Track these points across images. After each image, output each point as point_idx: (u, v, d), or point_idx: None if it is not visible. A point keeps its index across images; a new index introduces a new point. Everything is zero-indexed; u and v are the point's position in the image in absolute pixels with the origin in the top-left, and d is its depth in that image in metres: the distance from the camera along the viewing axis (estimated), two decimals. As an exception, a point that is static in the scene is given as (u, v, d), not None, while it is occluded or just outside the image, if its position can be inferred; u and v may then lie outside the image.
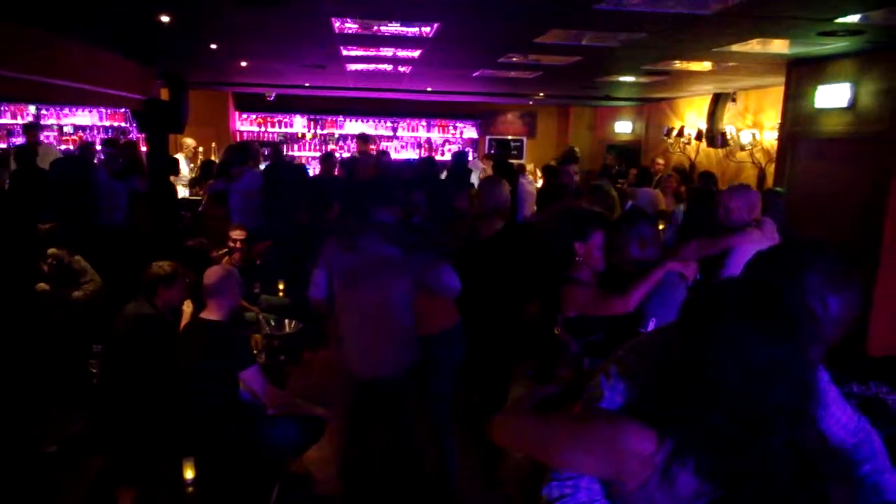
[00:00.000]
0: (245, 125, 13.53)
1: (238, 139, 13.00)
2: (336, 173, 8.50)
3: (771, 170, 7.44)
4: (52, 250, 5.41)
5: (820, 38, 5.06)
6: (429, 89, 10.98)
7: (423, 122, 13.96)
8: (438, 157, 11.99)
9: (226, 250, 5.70)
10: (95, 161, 8.15)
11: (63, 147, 11.53)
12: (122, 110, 11.92)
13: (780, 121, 6.83)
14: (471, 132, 14.13)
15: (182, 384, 3.65)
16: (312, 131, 13.60)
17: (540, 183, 10.18)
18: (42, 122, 12.01)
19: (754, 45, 5.55)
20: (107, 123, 12.28)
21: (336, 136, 13.71)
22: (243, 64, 8.24)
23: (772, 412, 1.28)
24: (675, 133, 10.31)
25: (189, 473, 3.21)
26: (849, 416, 2.01)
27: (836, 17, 4.42)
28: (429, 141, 13.92)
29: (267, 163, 8.92)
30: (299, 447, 3.99)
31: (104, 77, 7.06)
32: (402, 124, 13.88)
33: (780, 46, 5.63)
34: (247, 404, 3.84)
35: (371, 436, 3.91)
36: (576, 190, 6.52)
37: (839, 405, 2.00)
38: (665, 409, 1.36)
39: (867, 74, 5.52)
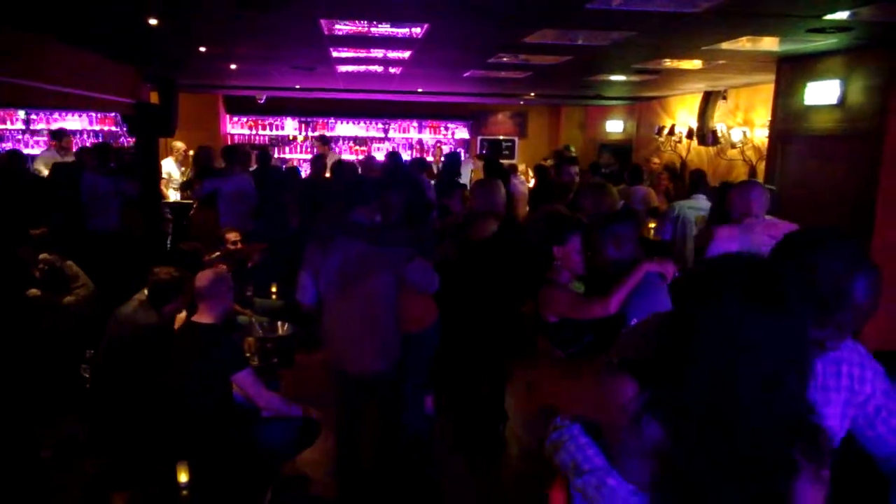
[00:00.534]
0: (236, 128, 13.50)
1: (229, 142, 12.96)
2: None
3: (762, 167, 7.47)
4: (43, 255, 5.40)
5: (809, 35, 5.07)
6: (420, 90, 10.97)
7: (415, 123, 13.97)
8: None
9: (217, 254, 5.68)
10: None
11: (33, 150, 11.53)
12: (112, 114, 11.88)
13: (770, 118, 6.85)
14: (462, 133, 14.14)
15: (176, 387, 3.64)
16: (304, 133, 13.58)
17: (532, 183, 10.20)
18: (32, 126, 11.97)
19: (744, 43, 5.57)
20: (97, 128, 12.24)
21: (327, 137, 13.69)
22: (233, 66, 8.22)
23: (743, 384, 1.35)
24: (666, 131, 10.33)
25: (183, 477, 3.20)
26: None
27: (825, 14, 4.44)
28: (420, 142, 13.92)
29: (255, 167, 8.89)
30: (293, 449, 3.99)
31: (94, 81, 7.03)
32: (394, 125, 13.88)
33: (769, 44, 5.65)
34: (240, 407, 3.84)
35: (361, 432, 3.94)
36: (576, 190, 6.56)
37: None
38: (651, 365, 1.48)
39: (856, 71, 5.54)
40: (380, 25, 5.50)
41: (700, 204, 6.41)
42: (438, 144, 13.61)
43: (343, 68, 8.11)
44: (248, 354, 4.58)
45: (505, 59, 7.06)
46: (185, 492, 3.18)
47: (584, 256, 3.29)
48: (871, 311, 1.85)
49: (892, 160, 5.22)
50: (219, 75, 9.36)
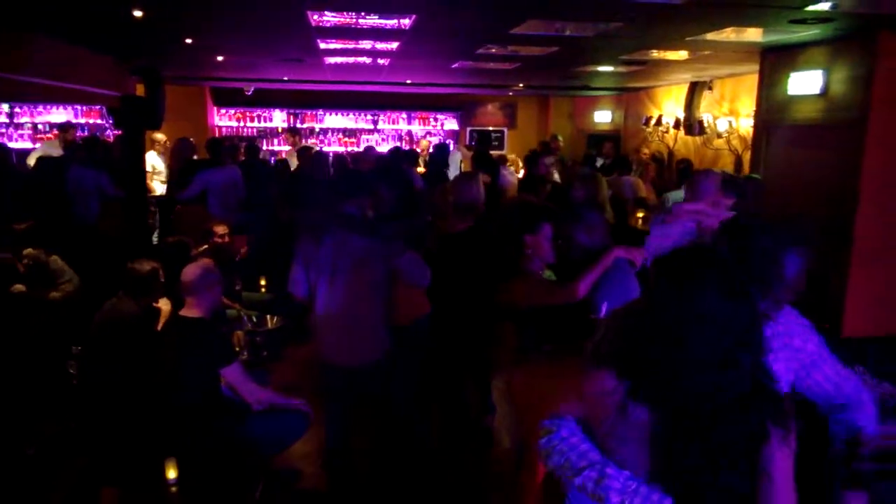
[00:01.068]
0: (223, 120, 13.42)
1: (217, 134, 12.90)
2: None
3: (747, 156, 7.51)
4: (28, 250, 5.37)
5: (791, 25, 5.11)
6: (408, 82, 10.96)
7: (404, 115, 13.94)
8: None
9: (205, 247, 5.68)
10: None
11: (38, 145, 11.44)
12: (98, 107, 11.80)
13: (755, 108, 6.89)
14: (452, 124, 14.13)
15: (164, 382, 3.65)
16: (292, 126, 13.53)
17: (521, 173, 10.21)
18: (16, 120, 11.88)
19: (728, 34, 5.60)
20: (82, 121, 12.14)
21: (317, 129, 13.68)
22: (220, 58, 8.18)
23: (705, 357, 1.53)
24: (653, 122, 10.37)
25: (171, 473, 3.21)
26: (843, 381, 2.44)
27: (807, 5, 4.47)
28: (410, 133, 13.90)
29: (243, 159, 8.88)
30: (283, 443, 4.00)
31: (78, 74, 6.99)
32: (383, 117, 13.84)
33: (753, 35, 5.68)
34: (229, 400, 3.85)
35: (350, 425, 3.95)
36: (559, 179, 6.59)
37: (834, 369, 2.44)
38: (624, 355, 1.62)
39: (838, 62, 5.57)
40: (367, 17, 5.49)
41: None
42: (426, 137, 13.60)
43: (331, 60, 8.09)
44: (237, 348, 4.59)
45: (493, 50, 7.06)
46: (173, 488, 3.19)
47: (555, 245, 3.32)
48: (800, 284, 2.27)
49: (874, 149, 5.26)
50: (205, 67, 9.31)
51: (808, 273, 2.22)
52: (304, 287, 3.76)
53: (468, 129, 14.15)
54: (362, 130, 13.79)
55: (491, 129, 14.25)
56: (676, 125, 9.69)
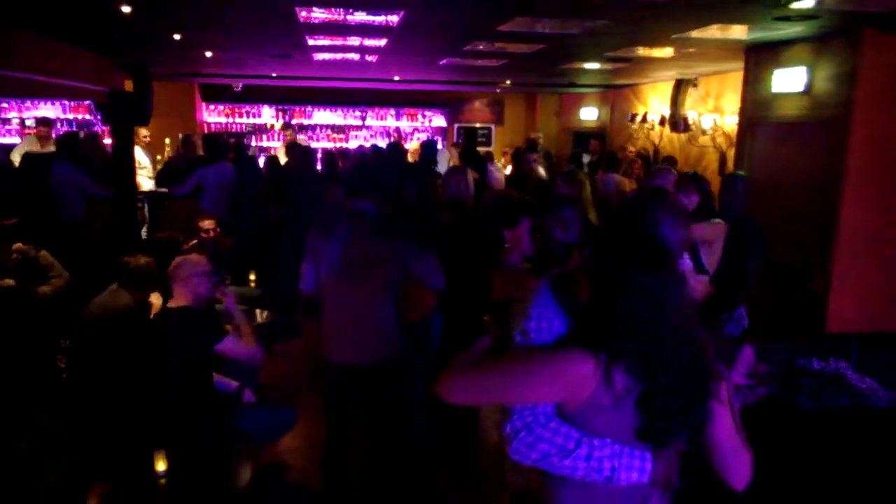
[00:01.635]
0: (212, 116, 13.40)
1: (205, 130, 12.88)
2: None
3: (732, 154, 7.59)
4: (17, 245, 5.35)
5: (776, 23, 5.16)
6: (396, 78, 10.97)
7: (392, 111, 13.97)
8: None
9: (195, 242, 5.69)
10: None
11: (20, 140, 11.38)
12: (86, 102, 11.75)
13: (739, 105, 6.96)
14: (439, 120, 14.16)
15: (155, 374, 3.66)
16: (281, 121, 13.52)
17: (509, 170, 10.26)
18: (3, 115, 11.80)
19: (713, 31, 5.65)
20: (70, 116, 12.08)
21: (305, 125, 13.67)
22: (208, 54, 8.17)
23: (660, 323, 1.75)
24: (639, 119, 10.43)
25: (161, 466, 3.23)
26: None
27: (791, 3, 4.52)
28: (398, 130, 13.92)
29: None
30: (272, 435, 4.02)
31: (66, 69, 6.96)
32: (371, 113, 13.87)
33: (738, 32, 5.74)
34: (219, 392, 3.87)
35: (352, 425, 3.93)
36: (549, 179, 6.64)
37: None
38: (593, 333, 1.78)
39: (822, 59, 5.64)
40: (355, 13, 5.52)
41: None
42: (414, 135, 13.63)
43: (319, 56, 8.10)
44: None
45: (480, 47, 7.10)
46: (162, 481, 3.21)
47: (534, 238, 3.35)
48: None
49: (858, 146, 5.33)
50: (194, 63, 9.29)
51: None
52: (311, 282, 3.72)
53: (456, 125, 14.19)
54: (350, 127, 13.81)
55: (478, 125, 14.30)
56: (662, 122, 9.75)
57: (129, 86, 8.78)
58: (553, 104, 14.07)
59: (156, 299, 4.24)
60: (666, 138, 9.86)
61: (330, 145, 13.11)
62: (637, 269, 1.77)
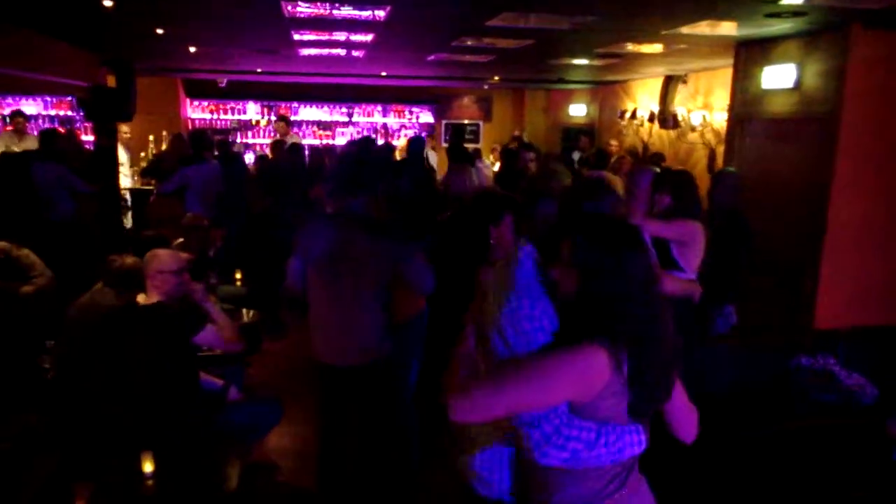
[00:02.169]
0: (196, 112, 13.28)
1: (189, 127, 12.76)
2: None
3: (721, 150, 7.59)
4: (-1, 243, 5.27)
5: (766, 19, 5.17)
6: (383, 74, 10.91)
7: (379, 108, 13.90)
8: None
9: (181, 240, 5.62)
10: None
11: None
12: (69, 98, 11.60)
13: (729, 102, 6.95)
14: (427, 117, 14.11)
15: (136, 373, 3.59)
16: (266, 118, 13.42)
17: (497, 167, 10.23)
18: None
19: (703, 28, 5.65)
20: (52, 112, 11.94)
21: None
22: (192, 49, 8.08)
23: (648, 301, 1.86)
24: (628, 115, 10.44)
25: (148, 466, 3.17)
26: None
27: (781, -1, 4.53)
28: (385, 126, 13.86)
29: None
30: (259, 431, 3.98)
31: (47, 64, 6.85)
32: (358, 110, 13.79)
33: (727, 28, 5.74)
34: (204, 390, 3.81)
35: (344, 426, 3.89)
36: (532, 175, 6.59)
37: None
38: (592, 322, 1.83)
39: (811, 55, 5.65)
40: (341, 7, 5.46)
41: None
42: (401, 131, 13.59)
43: (305, 51, 8.03)
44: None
45: (469, 42, 7.06)
46: (149, 481, 3.16)
47: (515, 234, 3.31)
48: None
49: (847, 142, 5.35)
50: (178, 58, 9.18)
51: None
52: (297, 278, 3.67)
53: (443, 121, 14.15)
54: (337, 123, 13.73)
55: (466, 122, 14.26)
56: (651, 119, 9.76)
57: (111, 81, 8.68)
58: (541, 100, 14.06)
59: (143, 299, 4.18)
60: (655, 135, 9.87)
61: (316, 142, 13.03)
62: (628, 253, 1.85)
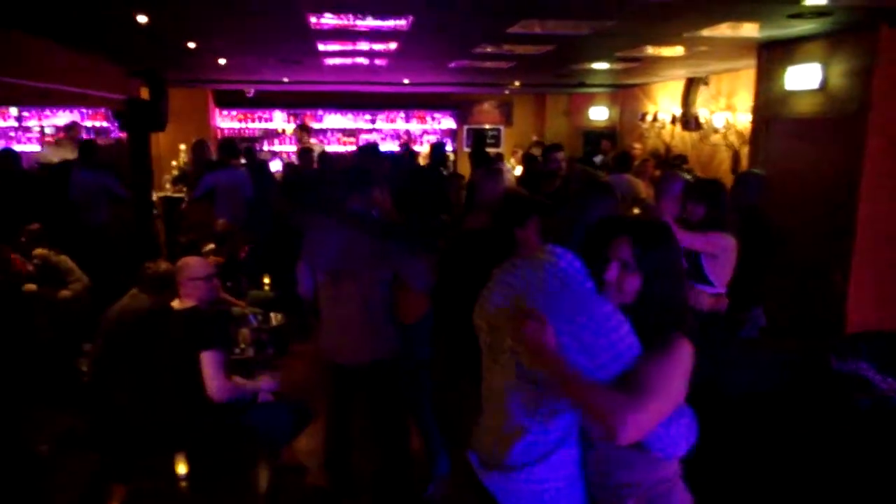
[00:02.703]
0: (225, 121, 13.51)
1: (218, 136, 12.98)
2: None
3: (745, 152, 7.56)
4: (37, 250, 5.43)
5: (789, 20, 5.14)
6: (406, 81, 11.02)
7: (402, 114, 13.99)
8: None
9: (212, 246, 5.75)
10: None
11: (42, 149, 11.50)
12: (103, 110, 11.85)
13: (753, 103, 6.93)
14: (449, 122, 14.19)
15: (168, 376, 3.69)
16: (293, 125, 13.60)
17: (519, 171, 10.26)
18: (23, 123, 11.93)
19: (724, 30, 5.64)
20: (88, 123, 12.19)
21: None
22: (221, 61, 8.25)
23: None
24: (650, 118, 10.42)
25: (182, 468, 3.26)
26: None
27: (805, 0, 4.52)
28: (408, 132, 13.96)
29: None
30: (289, 434, 4.05)
31: (84, 78, 7.06)
32: (381, 116, 13.90)
33: (750, 30, 5.72)
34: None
35: (352, 424, 3.96)
36: (564, 176, 6.62)
37: None
38: (663, 319, 1.94)
39: (836, 55, 5.60)
40: (365, 18, 5.56)
41: None
42: (423, 137, 13.70)
43: (330, 61, 8.16)
44: (243, 345, 4.64)
45: (489, 49, 7.12)
46: (183, 483, 3.24)
47: (543, 237, 3.31)
48: None
49: (875, 142, 5.29)
50: (208, 70, 9.38)
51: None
52: (308, 284, 3.78)
53: (465, 126, 14.22)
54: (361, 130, 13.86)
55: (488, 126, 14.32)
56: (673, 121, 9.74)
57: (144, 93, 8.86)
58: (562, 104, 14.07)
59: (177, 304, 4.30)
60: (677, 137, 9.84)
61: (341, 149, 13.17)
62: (678, 251, 2.02)
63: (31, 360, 4.78)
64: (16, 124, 11.88)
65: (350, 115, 13.78)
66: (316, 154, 8.88)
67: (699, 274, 3.99)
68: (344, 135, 13.79)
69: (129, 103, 6.82)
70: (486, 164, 7.90)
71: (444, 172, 8.88)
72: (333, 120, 13.76)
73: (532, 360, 1.91)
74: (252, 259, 6.53)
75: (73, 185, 7.18)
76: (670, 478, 2.03)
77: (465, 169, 11.57)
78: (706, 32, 5.70)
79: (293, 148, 12.70)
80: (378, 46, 6.99)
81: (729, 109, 8.52)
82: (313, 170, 8.39)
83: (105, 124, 12.06)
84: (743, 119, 8.04)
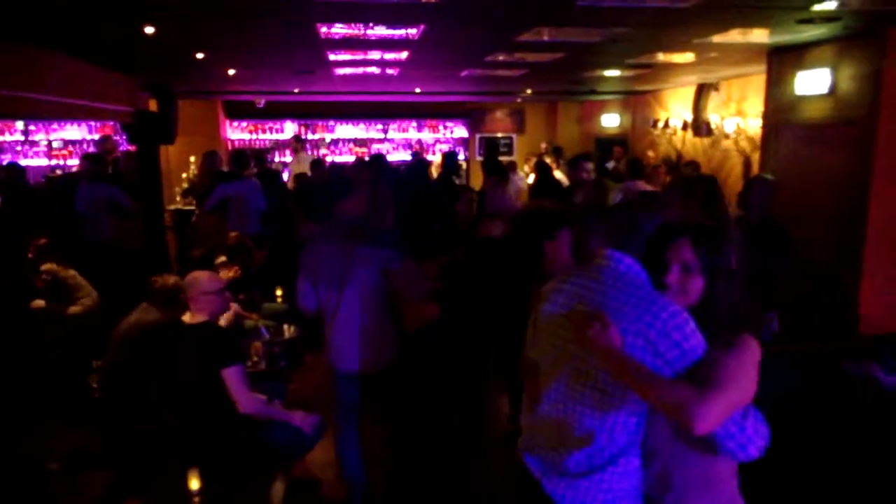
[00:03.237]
0: (236, 133, 13.54)
1: (229, 147, 13.02)
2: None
3: (756, 157, 7.52)
4: (45, 266, 5.44)
5: (798, 25, 5.13)
6: (417, 90, 11.03)
7: (414, 123, 14.01)
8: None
9: (224, 258, 5.75)
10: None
11: (54, 162, 11.58)
12: (112, 123, 11.90)
13: (763, 108, 6.89)
14: (461, 131, 14.19)
15: (180, 391, 3.69)
16: (304, 136, 13.63)
17: (531, 179, 10.25)
18: (30, 137, 11.97)
19: (735, 35, 5.63)
20: (96, 136, 12.22)
21: (328, 140, 13.77)
22: (231, 72, 8.27)
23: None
24: (661, 124, 10.38)
25: (194, 483, 3.25)
26: None
27: (813, 5, 4.49)
28: (420, 141, 13.97)
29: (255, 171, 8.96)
30: (301, 449, 4.03)
31: (92, 91, 7.07)
32: (393, 126, 13.92)
33: (760, 35, 5.71)
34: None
35: (359, 432, 3.96)
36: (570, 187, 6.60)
37: None
38: (730, 320, 1.96)
39: (846, 60, 5.59)
40: (375, 28, 5.56)
41: None
42: (436, 146, 13.71)
43: (341, 71, 8.17)
44: (255, 358, 4.63)
45: (501, 57, 7.12)
46: (196, 498, 3.23)
47: (573, 250, 3.29)
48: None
49: (885, 146, 5.27)
50: (217, 81, 9.41)
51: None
52: (312, 300, 3.78)
53: (477, 135, 14.22)
54: (373, 140, 13.87)
55: (500, 135, 14.32)
56: (684, 127, 9.70)
57: (153, 105, 8.92)
58: (574, 112, 14.06)
59: (188, 318, 4.30)
60: (689, 143, 9.80)
61: (352, 159, 13.19)
62: (737, 253, 2.01)
63: (40, 377, 4.79)
64: (22, 138, 11.91)
65: (362, 125, 13.80)
66: (308, 164, 8.91)
67: None
68: (356, 145, 13.81)
69: (137, 116, 6.85)
70: (500, 173, 7.92)
71: (457, 181, 8.88)
72: (345, 130, 13.79)
73: (599, 361, 1.95)
74: (266, 270, 6.53)
75: (79, 198, 7.19)
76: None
77: (477, 177, 11.57)
78: (717, 38, 5.69)
79: (289, 159, 12.69)
80: (389, 56, 7.00)
81: (740, 115, 8.48)
82: (323, 180, 8.41)
83: (114, 137, 12.07)
84: (754, 124, 7.99)
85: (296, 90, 10.96)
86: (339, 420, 3.95)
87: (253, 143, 13.45)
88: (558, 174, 9.76)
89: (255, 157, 9.25)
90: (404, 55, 6.87)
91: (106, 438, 4.27)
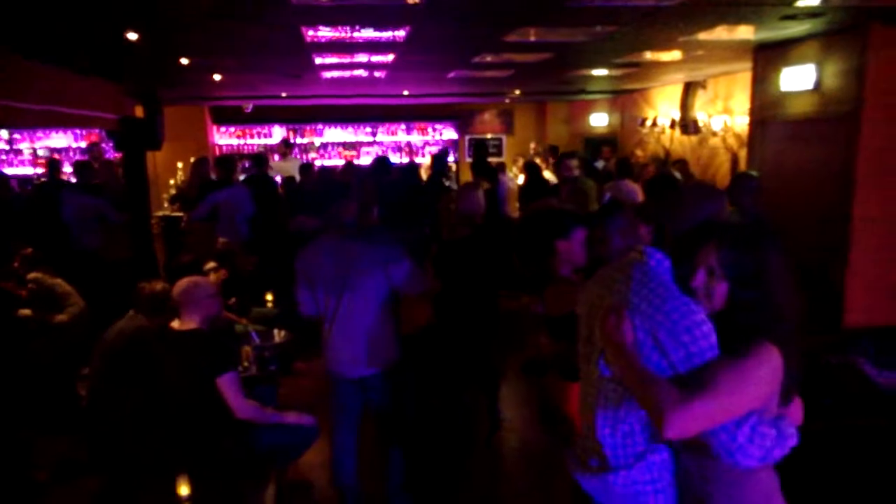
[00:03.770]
0: (223, 138, 13.51)
1: (217, 152, 12.98)
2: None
3: (744, 154, 7.55)
4: (32, 275, 5.40)
5: (783, 21, 5.15)
6: (405, 93, 11.03)
7: (403, 126, 14.02)
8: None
9: (214, 264, 5.72)
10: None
11: (39, 171, 11.51)
12: (98, 130, 11.84)
13: (749, 105, 6.92)
14: (450, 133, 14.21)
15: (170, 397, 3.66)
16: (293, 140, 13.60)
17: (521, 180, 10.25)
18: (14, 146, 11.89)
19: (720, 33, 5.64)
20: (82, 144, 12.16)
21: (317, 144, 13.75)
22: (217, 77, 8.24)
23: (790, 298, 1.96)
24: (649, 123, 10.41)
25: (184, 489, 3.23)
26: None
27: (797, 1, 4.51)
28: (409, 144, 13.97)
29: (249, 174, 8.94)
30: (293, 453, 4.02)
31: (76, 98, 7.02)
32: (382, 129, 13.93)
33: (745, 32, 5.73)
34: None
35: (356, 435, 3.94)
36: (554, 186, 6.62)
37: None
38: (755, 325, 1.88)
39: (830, 56, 5.61)
40: (361, 30, 5.55)
41: None
42: (425, 148, 13.72)
43: (328, 74, 8.16)
44: (245, 363, 4.61)
45: (488, 58, 7.12)
46: (188, 503, 3.22)
47: (590, 248, 3.30)
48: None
49: (869, 141, 5.29)
50: (203, 86, 9.38)
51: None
52: (311, 305, 3.77)
53: (466, 137, 14.24)
54: (362, 143, 13.87)
55: (489, 136, 14.34)
56: (672, 125, 9.73)
57: (139, 112, 8.86)
58: (563, 112, 14.10)
59: (178, 325, 4.28)
60: (677, 141, 9.83)
61: (341, 162, 13.17)
62: (773, 256, 1.91)
63: (28, 386, 4.75)
64: (6, 147, 11.82)
65: (350, 129, 13.80)
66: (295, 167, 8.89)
67: None
68: (344, 148, 13.80)
69: (123, 122, 6.80)
70: (489, 175, 7.93)
71: (447, 183, 8.89)
72: (334, 134, 13.78)
73: (609, 355, 1.97)
74: (258, 274, 6.52)
75: (64, 207, 7.12)
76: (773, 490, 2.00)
77: (467, 179, 11.55)
78: (703, 36, 5.71)
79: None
80: (376, 58, 6.99)
81: (727, 112, 8.51)
82: (313, 183, 8.40)
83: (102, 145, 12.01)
84: (741, 122, 8.03)
85: (283, 94, 10.94)
86: (335, 425, 3.90)
87: (241, 147, 13.42)
88: (547, 174, 9.78)
89: (254, 159, 9.20)
90: (391, 57, 6.87)
91: (94, 447, 4.23)
